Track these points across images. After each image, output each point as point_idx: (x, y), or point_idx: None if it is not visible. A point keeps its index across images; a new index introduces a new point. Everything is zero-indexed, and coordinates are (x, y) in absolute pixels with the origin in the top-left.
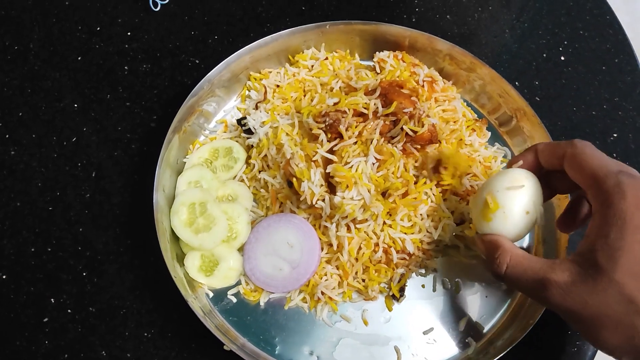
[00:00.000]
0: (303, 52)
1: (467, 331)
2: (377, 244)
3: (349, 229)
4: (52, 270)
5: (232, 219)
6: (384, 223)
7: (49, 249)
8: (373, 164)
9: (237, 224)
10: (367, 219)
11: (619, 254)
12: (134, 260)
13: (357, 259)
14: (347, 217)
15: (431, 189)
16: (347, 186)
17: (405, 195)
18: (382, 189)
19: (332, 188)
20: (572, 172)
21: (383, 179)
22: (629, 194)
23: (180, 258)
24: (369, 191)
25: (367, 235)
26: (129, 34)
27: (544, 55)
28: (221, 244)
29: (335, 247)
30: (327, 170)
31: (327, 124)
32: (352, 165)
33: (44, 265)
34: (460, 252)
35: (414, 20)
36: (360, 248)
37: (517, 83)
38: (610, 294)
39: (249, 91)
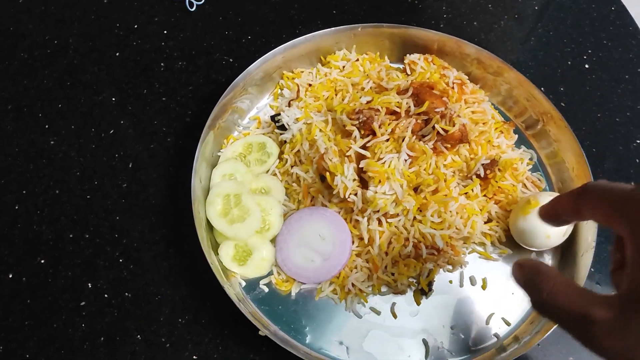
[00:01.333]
0: (335, 53)
1: (493, 327)
2: (407, 239)
3: (380, 223)
4: (89, 256)
5: (265, 211)
6: (414, 218)
7: (87, 236)
8: (405, 160)
9: (269, 216)
10: (398, 214)
11: None
12: (168, 248)
13: (387, 253)
14: (379, 211)
15: (473, 190)
16: (380, 181)
17: (435, 191)
18: (414, 184)
19: (364, 183)
20: (595, 210)
21: (415, 175)
22: None
23: (214, 248)
24: (401, 186)
25: (398, 229)
26: (165, 32)
27: (569, 62)
28: (254, 234)
29: (366, 241)
30: (360, 166)
31: (360, 121)
32: (385, 161)
33: (81, 251)
34: (487, 249)
35: (441, 25)
36: (390, 242)
37: (542, 89)
38: None
39: (282, 89)
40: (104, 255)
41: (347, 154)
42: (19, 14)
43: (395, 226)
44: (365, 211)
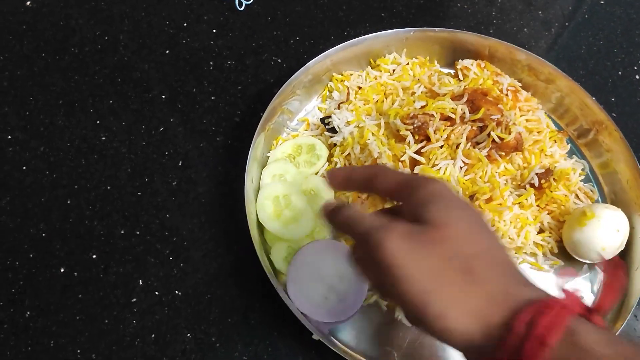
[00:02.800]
0: (385, 57)
1: None
2: None
3: None
4: (140, 253)
5: (315, 213)
6: None
7: (137, 232)
8: (461, 167)
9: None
10: None
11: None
12: (218, 248)
13: None
14: None
15: (527, 199)
16: None
17: (489, 200)
18: (470, 192)
19: None
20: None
21: (470, 183)
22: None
23: (265, 248)
24: (457, 194)
25: None
26: (214, 31)
27: (619, 73)
28: (306, 237)
29: None
30: (414, 172)
31: (415, 126)
32: (440, 168)
33: (132, 247)
34: (538, 260)
35: (491, 31)
36: None
37: (593, 98)
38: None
39: (331, 92)
40: (154, 253)
41: (402, 159)
42: (68, 8)
43: None
44: None
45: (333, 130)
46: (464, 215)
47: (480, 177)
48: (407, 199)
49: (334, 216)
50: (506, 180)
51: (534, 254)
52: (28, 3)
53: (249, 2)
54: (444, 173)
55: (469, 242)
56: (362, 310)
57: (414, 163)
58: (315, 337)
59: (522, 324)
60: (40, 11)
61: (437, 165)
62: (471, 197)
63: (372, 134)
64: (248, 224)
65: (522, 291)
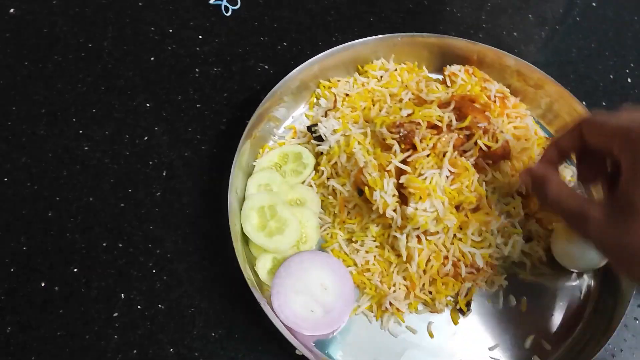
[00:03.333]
0: (372, 63)
1: (533, 349)
2: (446, 257)
3: (419, 240)
4: (122, 266)
5: (301, 223)
6: (454, 236)
7: (120, 245)
8: (447, 177)
9: (306, 228)
10: (438, 232)
11: None
12: (202, 260)
13: (425, 271)
14: (419, 228)
15: (515, 208)
16: (421, 197)
17: (476, 209)
18: (456, 202)
19: (403, 199)
20: (594, 137)
21: (457, 192)
22: None
23: (249, 260)
24: (442, 204)
25: (437, 247)
26: (200, 37)
27: (611, 76)
28: (291, 248)
29: (404, 258)
30: (400, 181)
31: (401, 134)
32: (426, 177)
33: (114, 260)
34: (527, 270)
35: (480, 36)
36: (429, 260)
37: (584, 103)
38: None
39: (318, 99)
40: (137, 266)
41: (387, 168)
42: (52, 16)
43: (434, 244)
44: (404, 228)
45: (319, 139)
46: None
47: (467, 187)
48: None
49: (543, 189)
50: (493, 189)
51: (522, 263)
52: (12, 10)
53: (236, 7)
54: (430, 182)
55: None
56: (350, 322)
57: (400, 172)
58: (298, 352)
59: None
60: (24, 19)
61: (423, 174)
62: (457, 207)
63: (359, 142)
64: (231, 235)
65: None
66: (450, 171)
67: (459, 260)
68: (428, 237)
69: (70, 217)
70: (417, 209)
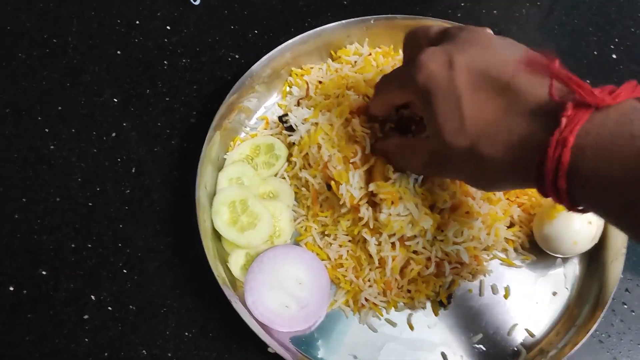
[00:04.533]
0: (346, 47)
1: (516, 338)
2: (429, 259)
3: (393, 246)
4: (92, 267)
5: (274, 217)
6: (435, 238)
7: (89, 245)
8: (415, 179)
9: (279, 222)
10: (415, 235)
11: None
12: (174, 258)
13: (402, 275)
14: (395, 234)
15: (495, 194)
16: (393, 202)
17: (455, 208)
18: (430, 202)
19: (375, 206)
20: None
21: (429, 192)
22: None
23: (222, 256)
24: (416, 206)
25: (417, 252)
26: (168, 28)
27: (595, 53)
28: (264, 242)
29: (376, 263)
30: (369, 189)
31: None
32: (395, 181)
33: (84, 261)
34: (509, 256)
35: (459, 15)
36: (408, 264)
37: None
38: None
39: (290, 87)
40: (107, 266)
41: (352, 160)
42: (17, 12)
43: (414, 250)
44: (380, 234)
45: (291, 129)
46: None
47: (438, 185)
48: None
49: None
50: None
51: (504, 250)
52: None
53: None
54: (399, 186)
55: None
56: (327, 317)
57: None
58: (270, 350)
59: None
60: None
61: (391, 179)
62: (431, 207)
63: (325, 133)
64: (200, 232)
65: None
66: None
67: (443, 260)
68: (406, 243)
69: (37, 218)
70: (390, 214)
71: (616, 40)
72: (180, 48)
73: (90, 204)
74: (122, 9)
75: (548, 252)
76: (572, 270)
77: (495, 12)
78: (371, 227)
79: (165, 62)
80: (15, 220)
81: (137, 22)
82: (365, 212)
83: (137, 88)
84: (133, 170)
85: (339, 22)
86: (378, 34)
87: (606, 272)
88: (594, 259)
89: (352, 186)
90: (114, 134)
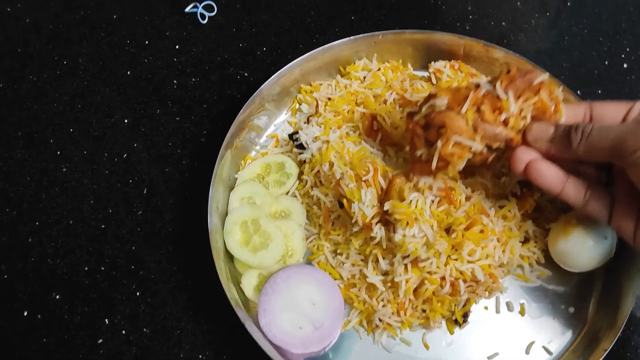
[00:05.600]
0: (354, 63)
1: (534, 356)
2: (443, 278)
3: (406, 269)
4: (105, 290)
5: (287, 236)
6: (449, 257)
7: (102, 268)
8: (432, 201)
9: (291, 241)
10: (429, 257)
11: None
12: (187, 279)
13: (416, 296)
14: (409, 255)
15: (510, 210)
16: (408, 223)
17: (469, 227)
18: (445, 225)
19: (389, 225)
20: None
21: (445, 214)
22: None
23: (234, 277)
24: (431, 228)
25: (430, 273)
26: (177, 47)
27: (606, 62)
28: (277, 262)
29: (389, 285)
30: (384, 208)
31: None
32: (411, 201)
33: (97, 284)
34: (525, 272)
35: (467, 27)
36: (423, 284)
37: (578, 92)
38: None
39: (300, 104)
40: (120, 289)
41: (364, 178)
42: (27, 34)
43: (428, 271)
44: (394, 255)
45: (301, 147)
46: None
47: (454, 208)
48: None
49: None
50: (485, 195)
51: (520, 266)
52: None
53: (212, 14)
54: (415, 207)
55: None
56: (341, 337)
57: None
58: None
59: None
60: None
61: (406, 199)
62: (447, 230)
63: (336, 151)
64: (212, 254)
65: None
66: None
67: (457, 279)
68: (420, 264)
69: (50, 241)
70: (405, 235)
71: (627, 49)
72: (189, 67)
73: (102, 226)
74: (132, 29)
75: (564, 267)
76: (589, 285)
77: (503, 23)
78: (384, 247)
79: (175, 81)
80: (29, 245)
81: (147, 42)
82: (378, 231)
83: (147, 108)
84: (145, 192)
85: (347, 39)
86: (386, 49)
87: (623, 287)
88: (610, 274)
89: (364, 204)
90: (125, 155)
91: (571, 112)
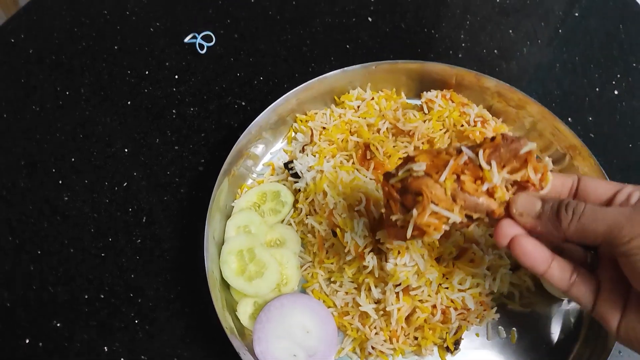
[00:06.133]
0: (349, 93)
1: None
2: (434, 306)
3: (397, 298)
4: (104, 318)
5: (281, 264)
6: (440, 285)
7: (102, 296)
8: None
9: (286, 269)
10: (420, 286)
11: None
12: (184, 307)
13: (408, 324)
14: (400, 284)
15: None
16: (399, 252)
17: (460, 256)
18: (436, 254)
19: (381, 253)
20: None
21: (436, 244)
22: None
23: (230, 305)
24: (422, 257)
25: (422, 301)
26: (176, 77)
27: (597, 90)
28: (272, 291)
29: (381, 313)
30: (376, 237)
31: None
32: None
33: (97, 312)
34: (516, 300)
35: (460, 56)
36: (414, 312)
37: (569, 119)
38: None
39: (295, 133)
40: (119, 316)
41: (356, 208)
42: (30, 65)
43: (419, 300)
44: (385, 284)
45: (296, 176)
46: None
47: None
48: None
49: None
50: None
51: (511, 293)
52: None
53: (211, 44)
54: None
55: None
56: None
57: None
58: None
59: None
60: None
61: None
62: (437, 258)
63: (330, 181)
64: (208, 283)
65: None
66: None
67: (448, 307)
68: (411, 292)
69: (51, 269)
70: (396, 264)
71: (618, 76)
72: (188, 97)
73: (102, 254)
74: (132, 60)
75: (554, 294)
76: (579, 311)
77: (496, 51)
78: (376, 275)
79: (174, 110)
80: (31, 273)
81: (147, 72)
82: (371, 260)
83: (146, 138)
84: (144, 220)
85: (342, 70)
86: (381, 77)
87: None
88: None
89: (356, 234)
90: (125, 184)
91: (558, 182)
